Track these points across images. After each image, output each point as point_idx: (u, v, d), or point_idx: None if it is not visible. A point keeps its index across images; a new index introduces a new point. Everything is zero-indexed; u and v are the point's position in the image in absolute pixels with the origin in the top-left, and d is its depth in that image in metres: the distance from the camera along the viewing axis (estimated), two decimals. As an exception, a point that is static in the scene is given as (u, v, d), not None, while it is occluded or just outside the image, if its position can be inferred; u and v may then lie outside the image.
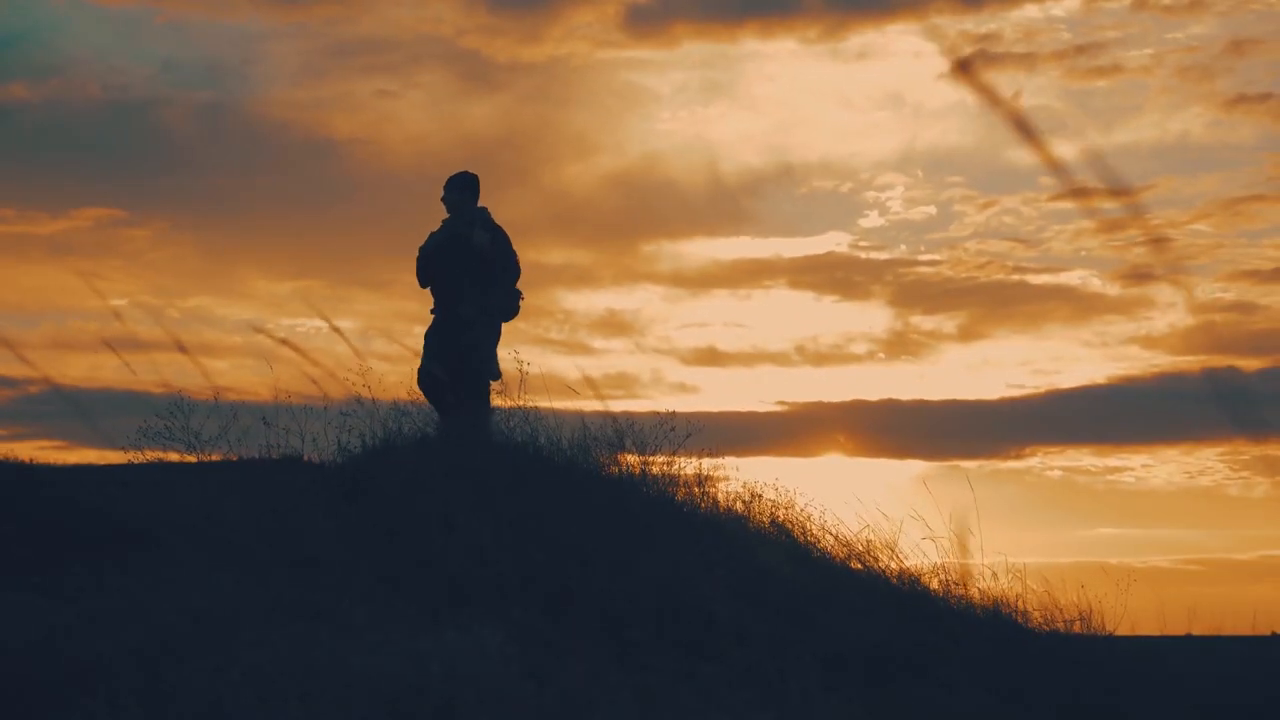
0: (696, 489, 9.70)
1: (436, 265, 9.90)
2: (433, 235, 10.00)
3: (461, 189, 10.03)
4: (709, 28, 22.63)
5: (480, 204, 10.05)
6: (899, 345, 22.83)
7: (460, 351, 9.61)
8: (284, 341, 7.35)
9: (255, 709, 4.51)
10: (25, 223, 22.31)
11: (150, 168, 22.93)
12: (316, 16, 23.08)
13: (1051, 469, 20.87)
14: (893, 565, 8.88)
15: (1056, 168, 3.17)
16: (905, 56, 23.00)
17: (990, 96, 3.08)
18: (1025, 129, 3.12)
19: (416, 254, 10.06)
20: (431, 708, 4.58)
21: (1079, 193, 3.21)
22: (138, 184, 23.04)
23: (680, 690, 5.33)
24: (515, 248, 12.02)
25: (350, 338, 8.39)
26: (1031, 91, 22.39)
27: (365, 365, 8.99)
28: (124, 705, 4.51)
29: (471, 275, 9.76)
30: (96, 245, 22.61)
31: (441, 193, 10.06)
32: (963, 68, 3.06)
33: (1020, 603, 8.74)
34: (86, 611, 5.25)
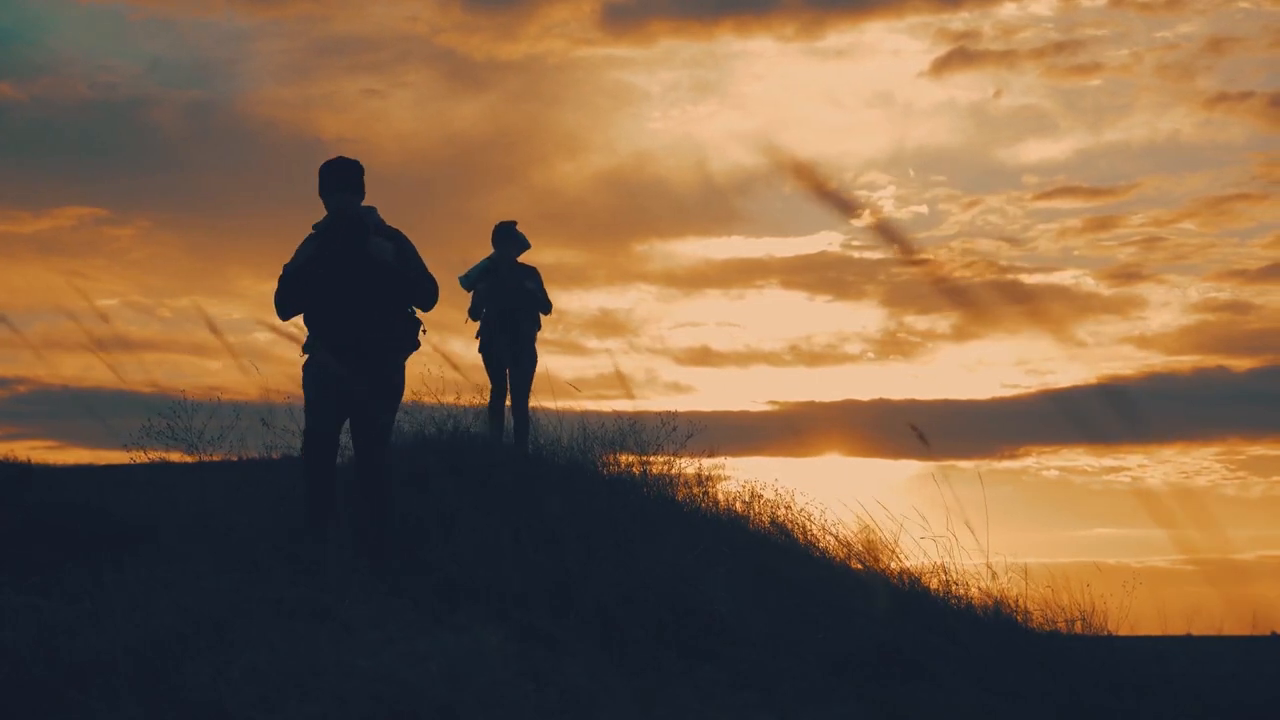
0: (696, 489, 9.72)
1: (313, 288, 7.17)
2: (302, 248, 7.27)
3: (340, 182, 7.22)
4: (685, 25, 22.62)
5: (369, 203, 7.38)
6: (892, 345, 22.82)
7: (364, 416, 7.12)
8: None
9: (255, 708, 4.51)
10: (9, 222, 22.32)
11: (137, 166, 22.93)
12: (291, 14, 23.07)
13: (1047, 469, 20.86)
14: (893, 565, 8.89)
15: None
16: (886, 55, 23.02)
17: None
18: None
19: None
20: (431, 708, 4.58)
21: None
22: (122, 182, 23.05)
23: (680, 690, 5.33)
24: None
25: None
26: (1018, 90, 22.42)
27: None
28: (124, 705, 4.51)
29: (373, 298, 7.14)
30: (81, 244, 22.61)
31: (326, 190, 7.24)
32: None
33: (1020, 603, 8.76)
34: (86, 611, 5.25)
